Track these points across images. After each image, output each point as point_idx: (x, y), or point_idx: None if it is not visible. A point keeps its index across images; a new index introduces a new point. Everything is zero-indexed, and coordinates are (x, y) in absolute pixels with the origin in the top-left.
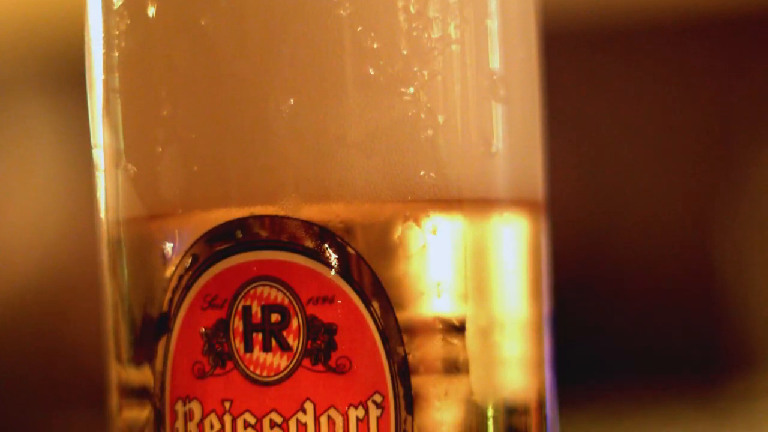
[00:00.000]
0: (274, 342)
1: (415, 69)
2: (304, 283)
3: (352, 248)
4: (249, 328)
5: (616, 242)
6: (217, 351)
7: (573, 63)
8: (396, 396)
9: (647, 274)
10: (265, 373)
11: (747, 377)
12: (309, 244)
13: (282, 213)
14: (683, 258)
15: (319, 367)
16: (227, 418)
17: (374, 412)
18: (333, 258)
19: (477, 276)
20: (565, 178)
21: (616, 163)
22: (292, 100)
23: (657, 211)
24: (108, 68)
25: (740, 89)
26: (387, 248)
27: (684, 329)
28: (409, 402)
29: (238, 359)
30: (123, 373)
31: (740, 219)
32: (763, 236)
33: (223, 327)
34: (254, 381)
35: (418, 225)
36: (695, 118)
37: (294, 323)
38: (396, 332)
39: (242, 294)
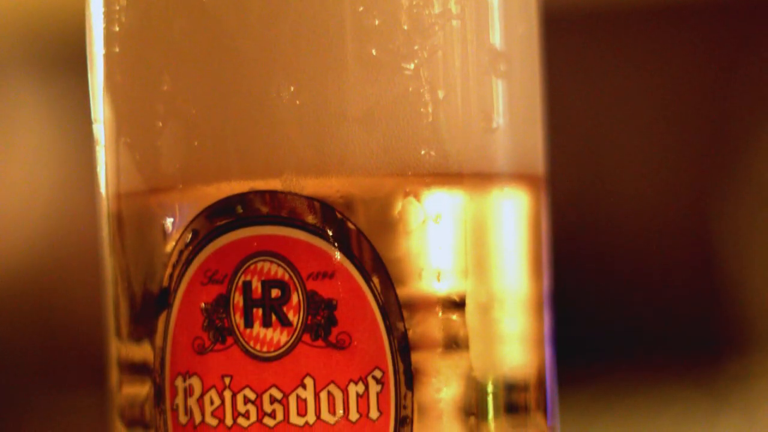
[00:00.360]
0: (274, 317)
1: (416, 44)
2: (305, 258)
3: (353, 224)
4: (249, 304)
5: (613, 223)
6: (217, 326)
7: (573, 40)
8: (396, 372)
9: (645, 254)
10: (265, 349)
11: (745, 358)
12: (309, 219)
13: (282, 188)
14: (681, 238)
15: (319, 342)
16: (227, 394)
17: (374, 388)
18: (333, 233)
19: (477, 251)
20: (563, 156)
21: (616, 141)
22: (292, 76)
23: (655, 191)
24: (108, 43)
25: (741, 68)
26: (387, 224)
27: (682, 309)
28: (409, 378)
29: (238, 335)
30: (123, 348)
31: (739, 199)
32: (762, 217)
33: (223, 302)
34: (254, 356)
35: (419, 200)
36: (695, 95)
37: (294, 299)
38: (396, 308)
39: (242, 269)
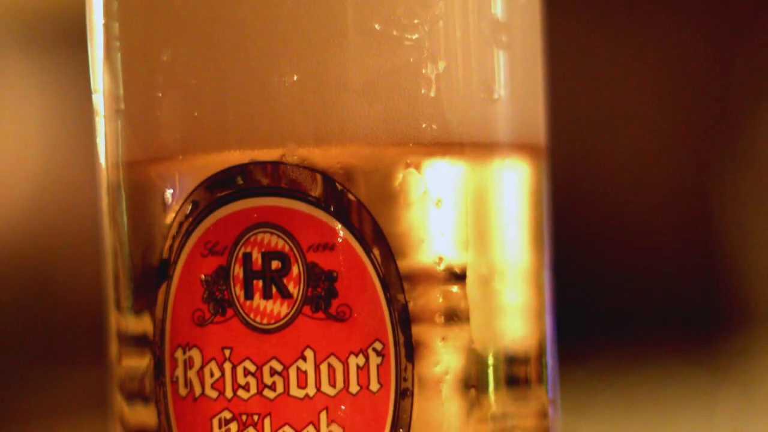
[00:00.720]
0: (274, 289)
1: (417, 15)
2: (305, 229)
3: (353, 195)
4: (249, 275)
5: (613, 198)
6: (218, 298)
7: (575, 11)
8: (396, 344)
9: (645, 229)
10: (265, 321)
11: (744, 334)
12: (310, 190)
13: (283, 159)
14: (682, 213)
15: (320, 314)
16: (227, 366)
17: (374, 360)
18: (334, 205)
19: (478, 223)
20: (565, 128)
21: (617, 115)
22: (293, 47)
23: (657, 165)
24: (108, 13)
25: (743, 42)
26: (388, 195)
27: (682, 285)
28: (409, 350)
29: (239, 306)
30: (122, 321)
31: (740, 175)
32: (763, 193)
33: (223, 274)
34: (254, 328)
35: (419, 171)
36: (697, 67)
37: (294, 270)
38: (397, 280)
39: (243, 241)
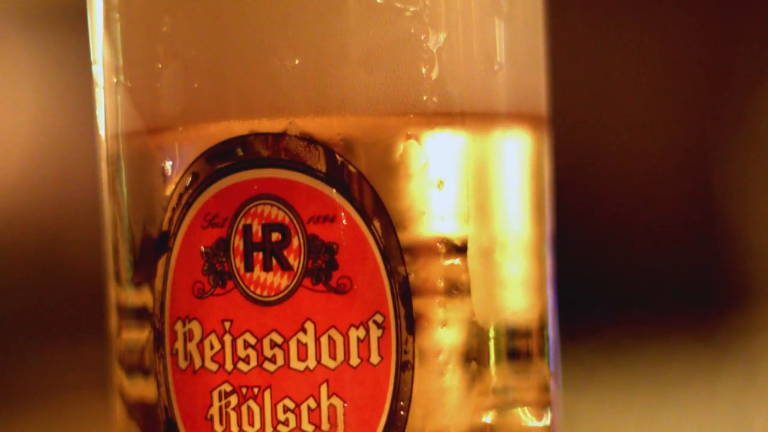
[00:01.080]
0: (274, 261)
1: None
2: (305, 201)
3: (354, 166)
4: (249, 247)
5: (614, 174)
6: (218, 270)
7: None
8: (397, 316)
9: (646, 207)
10: (265, 293)
11: (746, 311)
12: (310, 162)
13: (283, 131)
14: (684, 190)
15: (320, 286)
16: (227, 338)
17: (375, 333)
18: (334, 176)
19: (479, 194)
20: (566, 98)
21: (619, 86)
22: (293, 18)
23: (657, 142)
24: None
25: (745, 16)
26: (388, 167)
27: (683, 262)
28: (410, 322)
29: (239, 279)
30: (122, 293)
31: (741, 152)
32: (765, 170)
33: (223, 246)
34: (254, 301)
35: (420, 143)
36: (699, 40)
37: (295, 242)
38: (397, 252)
39: (243, 212)
